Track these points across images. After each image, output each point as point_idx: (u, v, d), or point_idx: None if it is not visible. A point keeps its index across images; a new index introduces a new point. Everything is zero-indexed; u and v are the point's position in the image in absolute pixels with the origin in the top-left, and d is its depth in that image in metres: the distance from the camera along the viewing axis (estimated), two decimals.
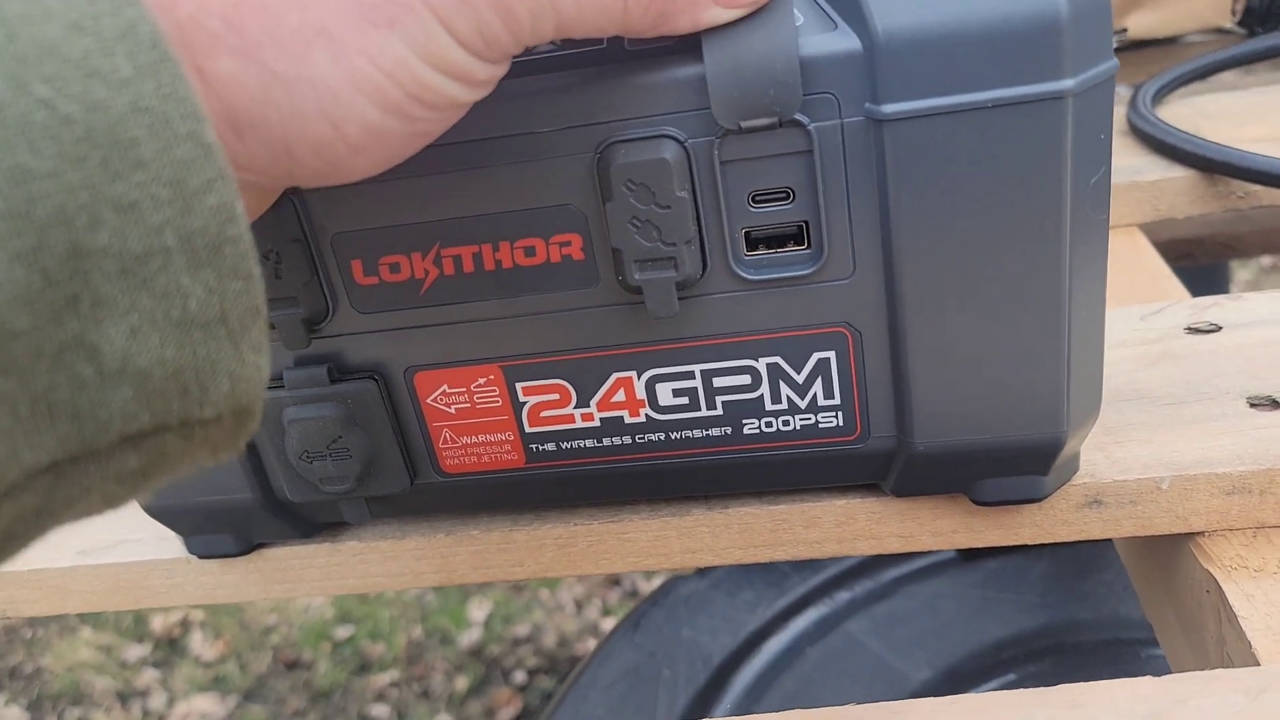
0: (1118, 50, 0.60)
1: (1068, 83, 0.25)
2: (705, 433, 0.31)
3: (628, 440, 0.31)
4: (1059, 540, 0.33)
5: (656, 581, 1.70)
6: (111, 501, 0.18)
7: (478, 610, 1.74)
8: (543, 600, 1.74)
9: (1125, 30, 0.60)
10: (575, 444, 0.32)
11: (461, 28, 0.21)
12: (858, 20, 0.26)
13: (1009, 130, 0.25)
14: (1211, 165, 0.47)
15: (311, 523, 0.35)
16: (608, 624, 1.66)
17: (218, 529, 0.34)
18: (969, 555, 0.53)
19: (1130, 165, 0.50)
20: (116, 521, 0.38)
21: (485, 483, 0.33)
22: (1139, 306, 0.40)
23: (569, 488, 0.33)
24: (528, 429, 0.31)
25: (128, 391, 0.17)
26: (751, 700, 0.46)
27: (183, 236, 0.17)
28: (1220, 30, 0.62)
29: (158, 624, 1.82)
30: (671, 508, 0.34)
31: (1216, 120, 0.54)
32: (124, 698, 1.70)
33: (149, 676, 1.73)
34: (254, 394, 0.19)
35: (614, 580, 1.76)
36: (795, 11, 0.26)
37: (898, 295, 0.28)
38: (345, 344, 0.31)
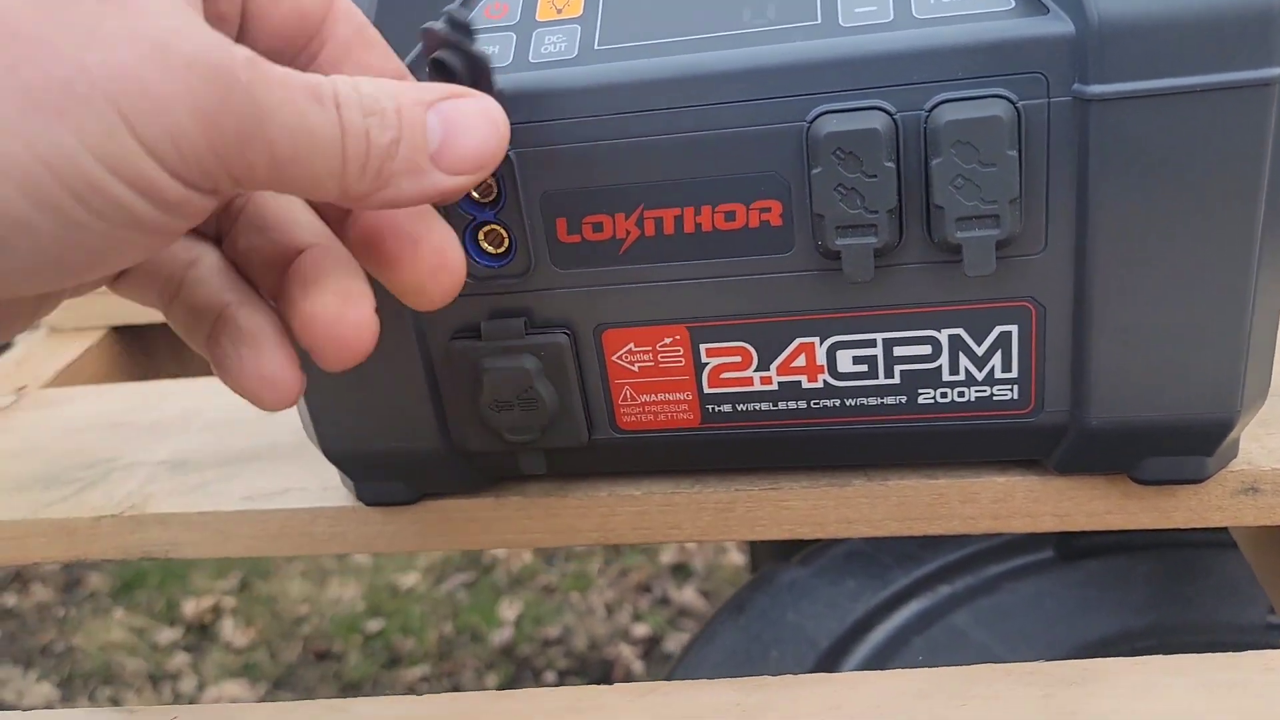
0: None
1: (1276, 70, 0.26)
2: (880, 401, 0.32)
3: (803, 405, 0.33)
4: (1211, 525, 0.34)
5: (688, 592, 1.71)
6: None
7: (508, 610, 1.74)
8: (573, 603, 1.75)
9: None
10: (751, 406, 0.33)
11: (151, 133, 0.19)
12: (1072, 5, 0.27)
13: (1214, 115, 0.27)
14: None
15: (482, 475, 0.36)
16: (639, 629, 1.66)
17: (391, 477, 0.36)
18: (1068, 555, 0.53)
19: None
20: (282, 470, 0.40)
21: (658, 441, 0.34)
22: None
23: (739, 450, 0.34)
24: (707, 389, 0.33)
25: None
26: None
27: None
28: None
29: (189, 608, 1.83)
30: (830, 477, 0.35)
31: None
32: (155, 680, 1.71)
33: (180, 660, 1.74)
34: None
35: (644, 587, 1.77)
36: None
37: (1087, 271, 0.29)
38: (541, 299, 0.32)
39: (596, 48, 0.30)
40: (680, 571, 1.81)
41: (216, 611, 1.81)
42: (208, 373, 0.63)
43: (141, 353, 0.61)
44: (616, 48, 0.30)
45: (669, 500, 0.36)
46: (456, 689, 1.59)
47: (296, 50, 0.25)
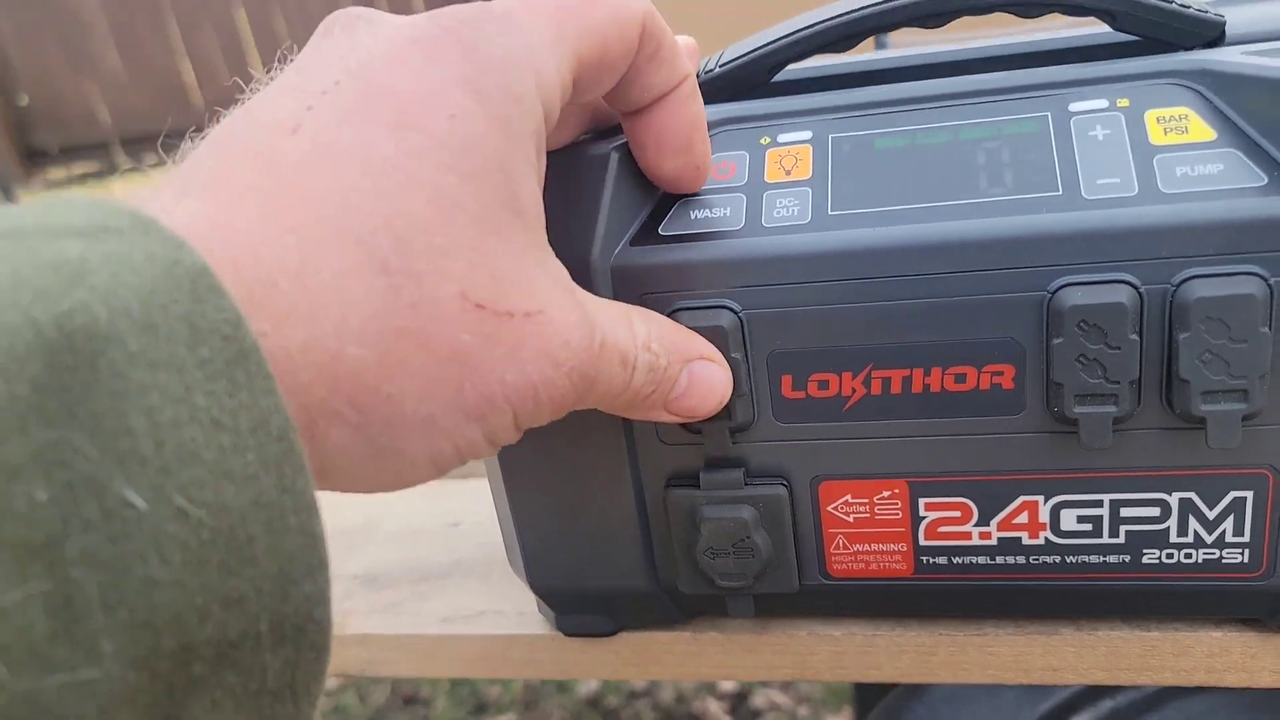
0: None
1: None
2: (1102, 559, 0.32)
3: (1021, 560, 0.32)
4: None
5: None
6: None
7: None
8: None
9: None
10: (967, 560, 0.33)
11: (526, 421, 0.25)
12: None
13: None
14: None
15: (683, 611, 0.36)
16: (727, 685, 1.65)
17: (593, 610, 0.36)
18: None
19: None
20: (475, 590, 0.40)
21: (868, 589, 0.34)
22: None
23: (950, 600, 0.34)
24: (922, 542, 0.33)
25: None
26: None
27: (274, 622, 0.17)
28: None
29: None
30: (1037, 625, 0.35)
31: None
32: None
33: None
34: None
35: None
36: (1258, 170, 0.28)
37: None
38: (759, 450, 0.32)
39: (830, 213, 0.30)
40: None
41: None
42: None
43: None
44: (851, 214, 0.30)
45: (869, 642, 0.36)
46: None
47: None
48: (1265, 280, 0.27)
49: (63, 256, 0.16)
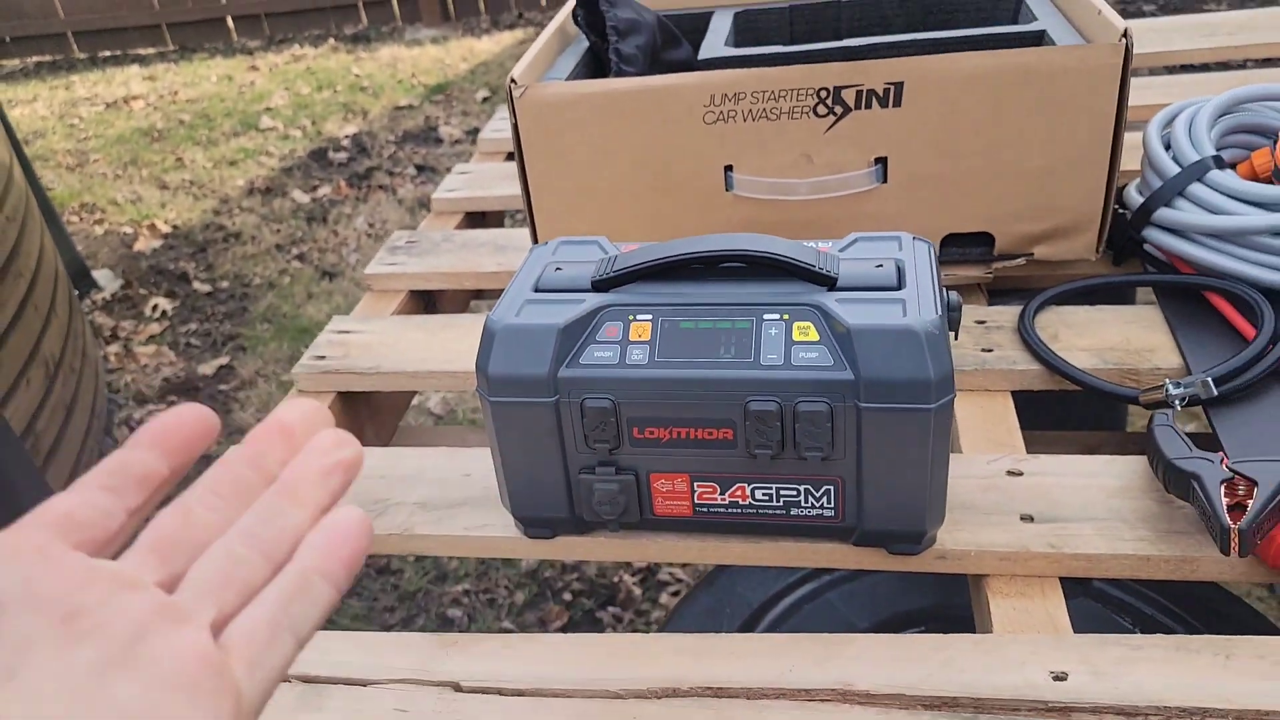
0: (1029, 263, 0.99)
1: (931, 405, 0.64)
2: (774, 512, 0.71)
3: (738, 511, 0.72)
4: (925, 571, 0.73)
5: None
6: None
7: None
8: None
9: (1033, 254, 0.98)
10: (716, 509, 0.72)
11: None
12: (854, 368, 0.65)
13: (913, 419, 0.65)
14: (1054, 369, 0.87)
15: (586, 528, 0.75)
16: (638, 563, 2.06)
17: (543, 526, 0.75)
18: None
19: (1011, 356, 0.90)
20: (479, 514, 0.79)
21: (673, 521, 0.73)
22: (990, 454, 0.80)
23: (710, 527, 0.73)
24: (696, 501, 0.72)
25: None
26: (773, 630, 0.86)
27: None
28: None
29: None
30: (753, 539, 0.74)
31: (1074, 328, 0.93)
32: None
33: None
34: None
35: None
36: (831, 358, 0.66)
37: (862, 466, 0.68)
38: (624, 458, 0.71)
39: (656, 359, 0.68)
40: None
41: None
42: (404, 442, 1.02)
43: (353, 415, 0.99)
44: (666, 360, 0.68)
45: (675, 544, 0.75)
46: (492, 603, 2.02)
47: None
48: (829, 405, 0.66)
49: None
